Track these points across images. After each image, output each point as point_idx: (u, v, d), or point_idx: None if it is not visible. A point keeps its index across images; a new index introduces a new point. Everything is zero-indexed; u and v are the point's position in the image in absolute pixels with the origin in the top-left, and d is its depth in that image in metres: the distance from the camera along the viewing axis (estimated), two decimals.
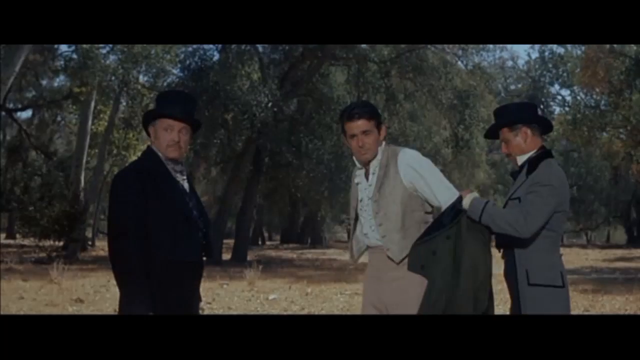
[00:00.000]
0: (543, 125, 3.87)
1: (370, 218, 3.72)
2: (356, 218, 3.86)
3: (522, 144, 3.79)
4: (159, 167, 3.42)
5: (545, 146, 3.84)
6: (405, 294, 3.58)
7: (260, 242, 39.88)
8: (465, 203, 3.55)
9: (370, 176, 3.73)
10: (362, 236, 3.81)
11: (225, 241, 23.67)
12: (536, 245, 3.58)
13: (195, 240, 3.40)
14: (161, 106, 3.49)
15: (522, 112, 3.89)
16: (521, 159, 3.80)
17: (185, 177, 3.51)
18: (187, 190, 3.48)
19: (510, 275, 3.62)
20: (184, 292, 3.28)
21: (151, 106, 24.50)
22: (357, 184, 3.83)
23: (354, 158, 3.81)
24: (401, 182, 3.61)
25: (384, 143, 3.76)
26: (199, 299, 3.56)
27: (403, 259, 3.60)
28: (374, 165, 3.73)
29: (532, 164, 3.71)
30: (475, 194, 3.66)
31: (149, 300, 3.12)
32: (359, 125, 3.65)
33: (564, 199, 3.63)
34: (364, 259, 4.01)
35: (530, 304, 3.51)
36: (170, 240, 3.28)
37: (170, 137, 3.41)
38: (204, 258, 3.53)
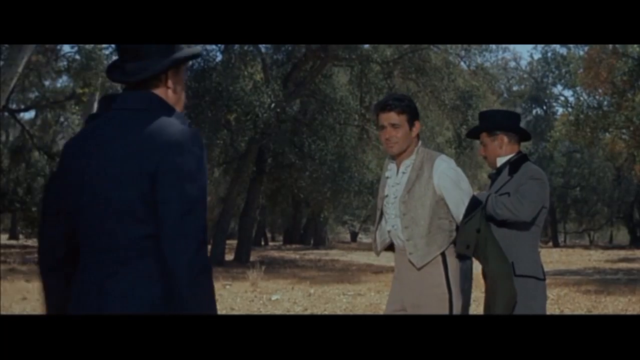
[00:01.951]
0: (521, 135, 4.16)
1: (394, 217, 3.69)
2: (381, 211, 3.84)
3: (498, 149, 4.08)
4: None
5: (522, 151, 4.16)
6: (423, 296, 3.58)
7: (263, 243, 39.87)
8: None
9: (400, 174, 3.70)
10: (385, 232, 3.79)
11: (228, 242, 23.68)
12: (522, 239, 3.85)
13: None
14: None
15: (502, 120, 4.17)
16: (500, 161, 4.09)
17: None
18: None
19: None
20: None
21: None
22: (387, 177, 3.80)
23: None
24: (433, 188, 3.60)
25: (419, 143, 3.74)
26: None
27: (424, 265, 3.60)
28: (405, 164, 3.69)
29: (513, 165, 4.02)
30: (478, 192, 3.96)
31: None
32: (389, 117, 3.64)
33: (548, 195, 3.95)
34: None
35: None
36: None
37: None
38: None
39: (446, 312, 3.55)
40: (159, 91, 2.22)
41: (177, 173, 2.02)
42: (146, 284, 2.09)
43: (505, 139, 4.06)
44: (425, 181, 3.60)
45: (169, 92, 2.24)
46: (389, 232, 3.74)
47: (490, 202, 3.77)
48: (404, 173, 3.68)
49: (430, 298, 3.56)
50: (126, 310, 2.08)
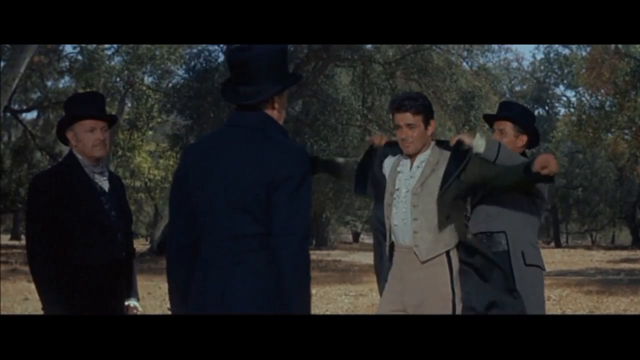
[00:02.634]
0: (535, 140, 4.21)
1: (404, 210, 3.68)
2: (390, 206, 3.80)
3: (514, 145, 4.07)
4: (75, 170, 3.49)
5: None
6: (427, 296, 3.58)
7: None
8: (480, 145, 3.69)
9: (415, 168, 3.71)
10: (394, 227, 3.77)
11: None
12: (527, 230, 3.92)
13: (112, 242, 3.46)
14: (79, 109, 3.53)
15: (532, 122, 4.21)
16: None
17: (106, 178, 3.58)
18: (107, 190, 3.54)
19: (500, 255, 3.79)
20: (100, 295, 3.34)
21: (156, 107, 24.45)
22: (399, 172, 3.79)
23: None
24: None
25: (434, 141, 3.78)
26: (123, 297, 3.55)
27: (428, 260, 3.60)
28: (420, 159, 3.71)
29: None
30: (480, 134, 3.84)
31: (59, 305, 3.22)
32: (404, 117, 3.65)
33: (546, 192, 4.02)
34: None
35: (526, 283, 3.76)
36: (82, 246, 3.36)
37: (95, 137, 3.48)
38: (128, 256, 3.59)
39: (449, 312, 3.55)
40: (267, 111, 2.64)
41: (289, 183, 2.49)
42: (266, 268, 2.53)
43: (526, 140, 4.11)
44: (439, 176, 3.61)
45: (275, 112, 2.66)
46: (396, 225, 3.71)
47: (504, 152, 3.74)
48: (418, 167, 3.69)
49: (434, 298, 3.56)
50: (250, 291, 2.59)
